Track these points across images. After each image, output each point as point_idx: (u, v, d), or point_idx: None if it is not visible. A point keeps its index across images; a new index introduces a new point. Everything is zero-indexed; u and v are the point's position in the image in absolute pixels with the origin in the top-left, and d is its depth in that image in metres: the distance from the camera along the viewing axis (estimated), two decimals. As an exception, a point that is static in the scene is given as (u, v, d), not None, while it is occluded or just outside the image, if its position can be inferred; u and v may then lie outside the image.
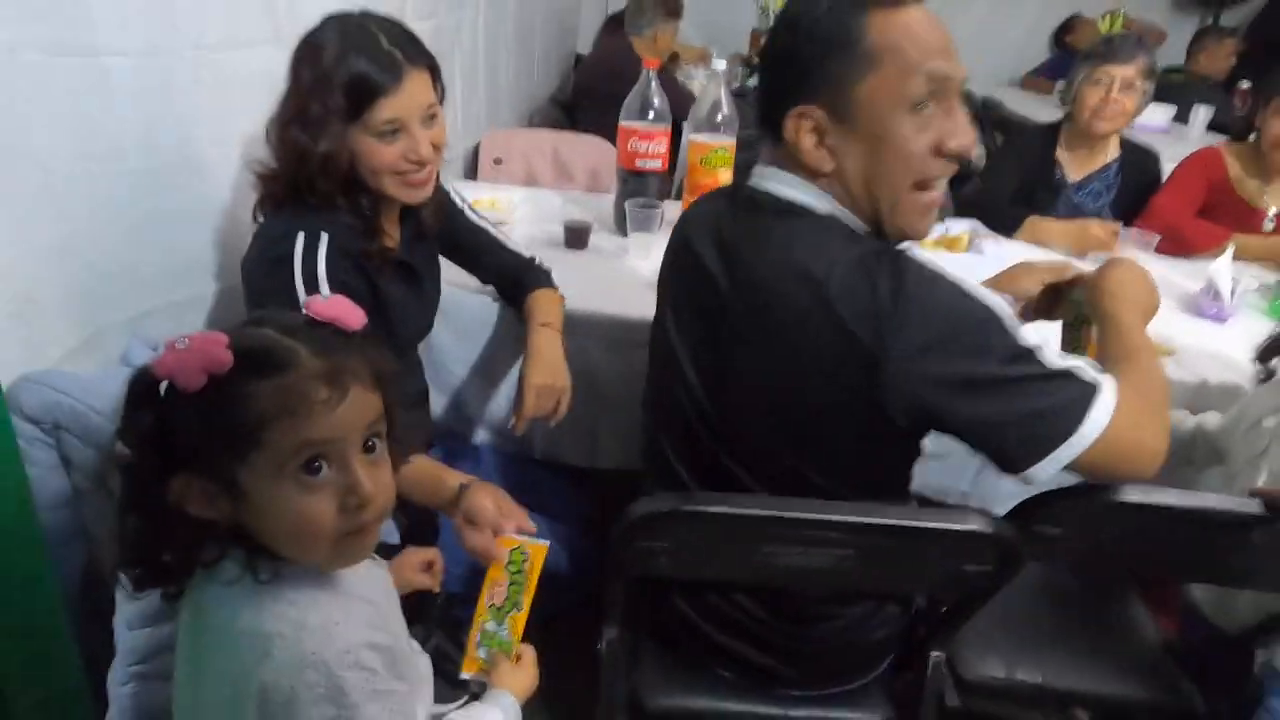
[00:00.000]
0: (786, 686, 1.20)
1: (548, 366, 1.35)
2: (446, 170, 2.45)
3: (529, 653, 1.04)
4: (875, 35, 0.92)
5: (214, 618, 0.75)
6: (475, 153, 2.73)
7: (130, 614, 1.03)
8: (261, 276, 1.15)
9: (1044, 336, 0.96)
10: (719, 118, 1.86)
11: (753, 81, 4.05)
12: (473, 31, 2.63)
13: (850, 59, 0.92)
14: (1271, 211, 2.10)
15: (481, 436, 1.68)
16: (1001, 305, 0.93)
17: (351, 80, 1.10)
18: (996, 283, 1.25)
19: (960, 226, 1.90)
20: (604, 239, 1.89)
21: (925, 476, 1.32)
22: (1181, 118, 3.78)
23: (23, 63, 0.99)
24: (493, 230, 1.51)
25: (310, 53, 1.12)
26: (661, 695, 1.21)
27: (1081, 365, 0.94)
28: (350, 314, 0.77)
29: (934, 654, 1.19)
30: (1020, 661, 1.31)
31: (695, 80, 3.60)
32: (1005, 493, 1.35)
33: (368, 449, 0.74)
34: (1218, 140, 2.62)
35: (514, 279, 1.50)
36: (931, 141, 0.94)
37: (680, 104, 2.10)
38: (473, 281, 1.55)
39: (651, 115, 1.83)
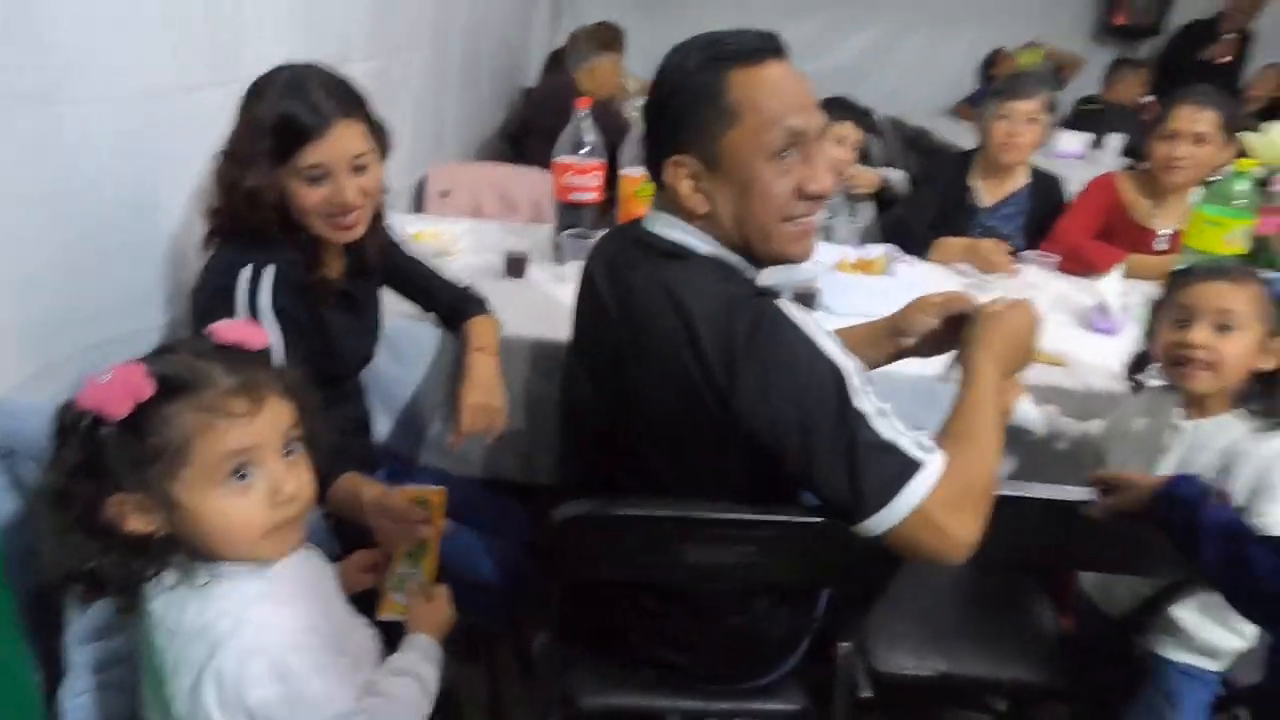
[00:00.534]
0: (706, 681, 1.27)
1: (482, 387, 1.44)
2: (391, 204, 2.53)
3: (441, 590, 1.10)
4: (736, 92, 1.01)
5: (165, 620, 0.82)
6: (422, 186, 2.82)
7: (80, 630, 1.09)
8: (207, 307, 1.22)
9: (886, 406, 0.98)
10: (650, 152, 1.96)
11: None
12: (421, 70, 2.73)
13: (715, 113, 1.01)
14: (1162, 232, 2.27)
15: (427, 458, 1.75)
16: (849, 367, 0.97)
17: (280, 123, 1.18)
18: (895, 318, 1.30)
19: (877, 251, 2.03)
20: (542, 268, 1.98)
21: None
22: (1099, 144, 4.01)
23: (-19, 111, 1.06)
24: (429, 262, 1.59)
25: (253, 95, 1.22)
26: (592, 695, 1.28)
27: (912, 440, 0.95)
28: (253, 336, 0.86)
29: (842, 645, 1.28)
30: (929, 652, 1.41)
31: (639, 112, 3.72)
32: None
33: (287, 452, 0.83)
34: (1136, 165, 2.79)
35: (452, 307, 1.59)
36: (793, 185, 1.03)
37: (621, 137, 2.21)
38: (415, 310, 1.63)
39: (584, 150, 1.94)
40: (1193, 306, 1.30)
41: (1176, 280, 1.35)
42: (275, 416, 0.82)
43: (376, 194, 1.30)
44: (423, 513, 1.17)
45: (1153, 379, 1.45)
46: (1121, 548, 1.20)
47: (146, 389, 0.75)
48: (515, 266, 1.93)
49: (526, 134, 3.46)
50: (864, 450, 0.93)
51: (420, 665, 0.96)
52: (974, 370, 1.06)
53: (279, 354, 1.19)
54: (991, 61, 5.17)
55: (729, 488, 1.10)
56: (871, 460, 0.93)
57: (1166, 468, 1.32)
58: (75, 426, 0.77)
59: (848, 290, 1.85)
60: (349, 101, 1.23)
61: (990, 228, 2.48)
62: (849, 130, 2.54)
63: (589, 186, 1.97)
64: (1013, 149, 2.38)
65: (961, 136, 4.15)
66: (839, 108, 2.58)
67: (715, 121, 1.01)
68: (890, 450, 0.94)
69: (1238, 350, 1.27)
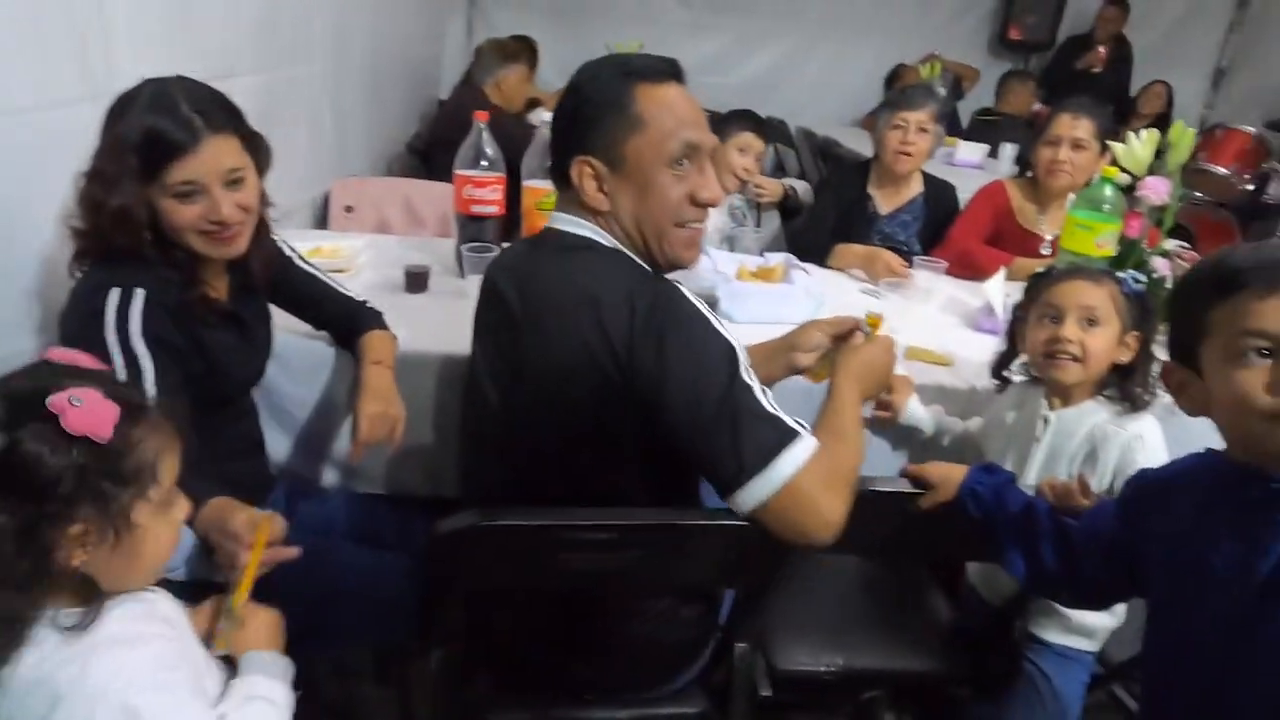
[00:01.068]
0: (613, 691, 1.28)
1: (380, 396, 1.43)
2: (293, 219, 2.48)
3: (250, 610, 1.01)
4: (641, 104, 1.12)
5: (6, 678, 0.77)
6: (326, 201, 2.77)
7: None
8: (75, 331, 1.18)
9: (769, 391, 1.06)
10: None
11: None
12: (318, 82, 2.68)
13: (622, 120, 1.12)
14: (1048, 237, 2.39)
15: (329, 478, 1.72)
16: (739, 346, 1.07)
17: (145, 141, 1.15)
18: (791, 336, 1.40)
19: (776, 259, 2.08)
20: (446, 281, 1.97)
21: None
22: (995, 154, 4.20)
23: None
24: (323, 277, 1.57)
25: (115, 112, 1.18)
26: (496, 710, 1.28)
27: (790, 418, 1.04)
28: (84, 360, 0.86)
29: (739, 645, 1.31)
30: (826, 648, 1.45)
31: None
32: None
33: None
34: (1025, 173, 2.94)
35: (346, 323, 1.57)
36: (686, 192, 1.15)
37: (523, 150, 2.21)
38: (306, 327, 1.61)
39: (484, 164, 1.94)
40: (1060, 304, 1.37)
41: (1040, 281, 1.43)
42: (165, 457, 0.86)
43: (255, 209, 1.27)
44: (251, 536, 1.07)
45: (1017, 375, 1.53)
46: (957, 537, 1.26)
47: (113, 410, 0.78)
48: (416, 281, 1.91)
49: (434, 147, 3.43)
50: (748, 417, 1.01)
51: (263, 685, 0.92)
52: (838, 390, 1.19)
53: (150, 380, 1.15)
54: (894, 75, 5.35)
55: (626, 490, 1.13)
56: (755, 426, 1.01)
57: (1040, 455, 1.40)
58: (55, 451, 0.76)
59: (746, 298, 1.89)
60: (219, 115, 1.20)
61: (888, 234, 2.57)
62: (751, 140, 2.60)
63: (489, 199, 1.97)
64: (905, 158, 2.47)
65: (867, 147, 4.27)
66: (743, 118, 2.64)
67: (621, 128, 1.11)
68: (772, 421, 1.03)
69: (1102, 344, 1.36)
